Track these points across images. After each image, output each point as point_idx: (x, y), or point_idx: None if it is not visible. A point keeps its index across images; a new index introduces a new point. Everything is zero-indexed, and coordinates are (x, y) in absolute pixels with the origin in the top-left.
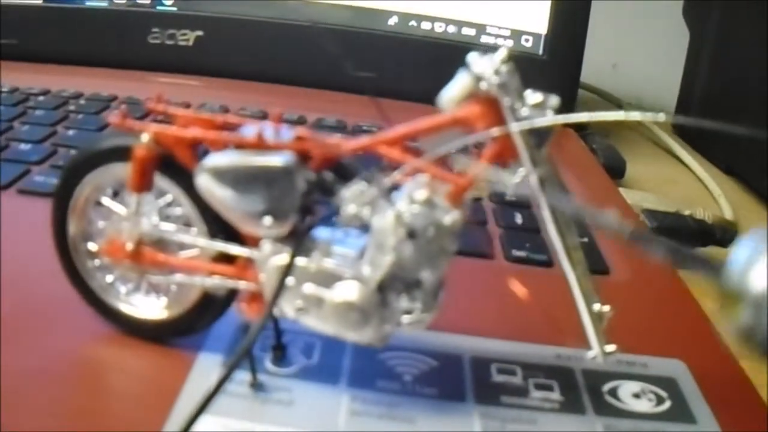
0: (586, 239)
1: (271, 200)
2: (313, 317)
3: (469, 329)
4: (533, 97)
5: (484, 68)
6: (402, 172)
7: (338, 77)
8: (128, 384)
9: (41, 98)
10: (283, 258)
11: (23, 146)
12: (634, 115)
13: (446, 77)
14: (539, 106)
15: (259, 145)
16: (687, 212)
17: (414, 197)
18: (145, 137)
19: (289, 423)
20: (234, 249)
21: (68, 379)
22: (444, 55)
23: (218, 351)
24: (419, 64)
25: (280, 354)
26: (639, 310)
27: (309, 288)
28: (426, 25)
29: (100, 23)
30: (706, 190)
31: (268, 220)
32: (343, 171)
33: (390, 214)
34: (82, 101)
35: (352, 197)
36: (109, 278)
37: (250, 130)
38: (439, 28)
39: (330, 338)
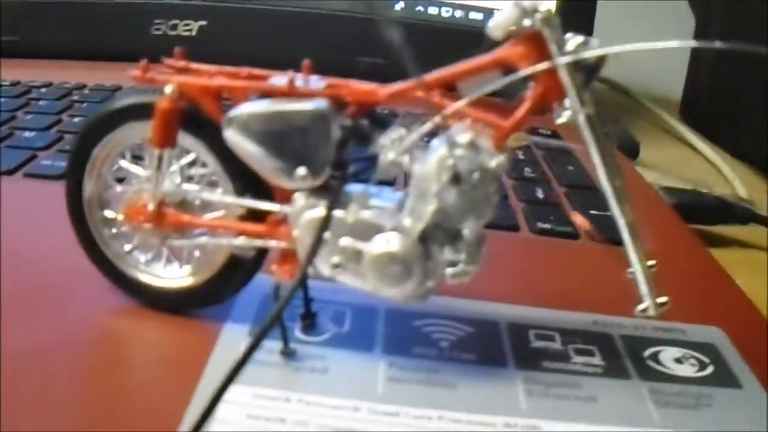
0: None
1: (304, 149)
2: (350, 274)
3: (500, 298)
4: (574, 39)
5: (531, 4)
6: (442, 116)
7: (343, 64)
8: (151, 360)
9: (44, 90)
10: (319, 211)
11: (28, 134)
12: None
13: (454, 63)
14: (581, 47)
15: (291, 93)
16: (705, 190)
17: (457, 141)
18: (169, 88)
19: (326, 391)
20: (264, 205)
21: (88, 357)
22: (451, 41)
23: (245, 322)
24: (426, 49)
25: (310, 323)
26: (670, 281)
27: (346, 241)
28: (433, 10)
29: (103, 16)
30: (719, 174)
31: (302, 170)
32: (378, 120)
33: (433, 159)
34: (86, 91)
35: (390, 144)
36: (127, 247)
37: (280, 79)
38: (446, 12)
39: (361, 306)
